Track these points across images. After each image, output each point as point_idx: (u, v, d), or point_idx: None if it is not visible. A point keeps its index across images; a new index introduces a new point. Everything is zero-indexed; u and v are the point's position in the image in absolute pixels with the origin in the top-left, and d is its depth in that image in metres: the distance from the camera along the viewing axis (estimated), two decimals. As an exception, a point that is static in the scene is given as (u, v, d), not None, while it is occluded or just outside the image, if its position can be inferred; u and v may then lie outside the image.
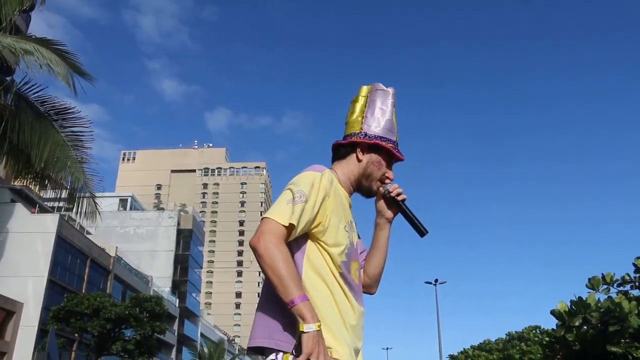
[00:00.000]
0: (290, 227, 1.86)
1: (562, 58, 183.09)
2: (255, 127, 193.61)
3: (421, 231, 2.20)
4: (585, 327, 6.78)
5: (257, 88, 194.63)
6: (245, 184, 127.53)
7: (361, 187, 2.21)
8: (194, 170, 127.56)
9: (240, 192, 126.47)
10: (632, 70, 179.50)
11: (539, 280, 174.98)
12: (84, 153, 8.35)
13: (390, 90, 2.29)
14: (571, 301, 6.91)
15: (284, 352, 1.84)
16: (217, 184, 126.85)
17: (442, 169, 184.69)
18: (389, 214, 2.26)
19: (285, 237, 1.85)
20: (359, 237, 2.26)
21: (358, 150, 2.18)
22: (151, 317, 27.53)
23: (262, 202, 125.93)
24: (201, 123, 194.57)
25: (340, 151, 2.21)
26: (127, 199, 56.47)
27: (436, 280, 37.27)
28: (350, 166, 2.18)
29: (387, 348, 77.45)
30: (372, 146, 2.19)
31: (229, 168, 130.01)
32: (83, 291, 32.66)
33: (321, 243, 1.99)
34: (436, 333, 35.32)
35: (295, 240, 1.94)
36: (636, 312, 6.86)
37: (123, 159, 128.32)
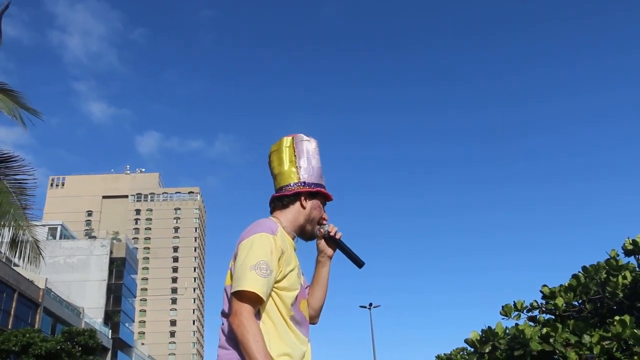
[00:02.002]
0: (261, 299, 2.06)
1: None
2: (186, 150, 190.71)
3: (359, 263, 2.45)
4: (495, 353, 7.63)
5: (188, 111, 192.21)
6: (179, 209, 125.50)
7: (304, 232, 2.40)
8: (126, 196, 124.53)
9: (174, 218, 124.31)
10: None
11: (467, 302, 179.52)
12: (27, 200, 8.58)
13: (314, 140, 2.52)
14: (482, 330, 7.76)
15: None
16: (150, 210, 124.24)
17: (372, 200, 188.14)
18: (330, 251, 2.50)
19: (256, 306, 2.08)
20: (302, 275, 2.45)
21: (302, 198, 2.37)
22: (84, 351, 26.96)
23: (196, 228, 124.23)
24: (131, 147, 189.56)
25: (284, 201, 2.37)
26: (57, 228, 54.62)
27: (370, 304, 38.11)
28: (295, 214, 2.37)
29: (325, 372, 77.64)
30: (314, 193, 2.40)
31: (163, 193, 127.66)
32: (10, 327, 31.41)
33: (274, 289, 2.16)
34: (372, 357, 36.08)
35: None
36: (538, 336, 7.76)
37: (51, 185, 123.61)
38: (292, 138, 2.48)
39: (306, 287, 2.46)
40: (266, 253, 2.11)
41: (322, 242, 2.50)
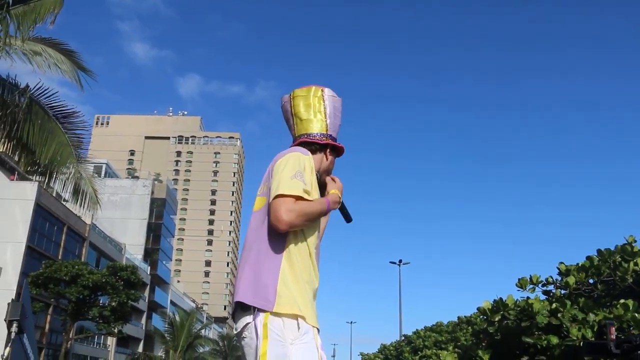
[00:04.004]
0: (299, 198, 2.13)
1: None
2: (226, 95, 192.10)
3: (348, 218, 2.61)
4: (504, 322, 8.34)
5: (230, 56, 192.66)
6: (219, 153, 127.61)
7: (318, 180, 2.41)
8: (168, 138, 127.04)
9: (214, 162, 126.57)
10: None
11: (492, 270, 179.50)
12: (83, 153, 9.45)
13: (340, 99, 2.59)
14: (494, 300, 8.45)
15: (264, 311, 2.04)
16: (191, 152, 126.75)
17: (410, 163, 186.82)
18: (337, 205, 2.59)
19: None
20: None
21: (328, 150, 2.48)
22: (126, 285, 28.60)
23: (234, 173, 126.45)
24: (172, 89, 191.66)
25: (312, 147, 2.43)
26: (102, 166, 56.79)
27: (400, 261, 38.89)
28: (318, 162, 2.43)
29: (351, 322, 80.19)
30: (337, 148, 2.53)
31: (203, 137, 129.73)
32: (59, 257, 33.45)
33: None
34: (398, 312, 37.13)
35: None
36: (546, 310, 8.43)
37: (97, 123, 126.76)
38: (322, 90, 2.54)
39: None
40: (301, 166, 2.22)
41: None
